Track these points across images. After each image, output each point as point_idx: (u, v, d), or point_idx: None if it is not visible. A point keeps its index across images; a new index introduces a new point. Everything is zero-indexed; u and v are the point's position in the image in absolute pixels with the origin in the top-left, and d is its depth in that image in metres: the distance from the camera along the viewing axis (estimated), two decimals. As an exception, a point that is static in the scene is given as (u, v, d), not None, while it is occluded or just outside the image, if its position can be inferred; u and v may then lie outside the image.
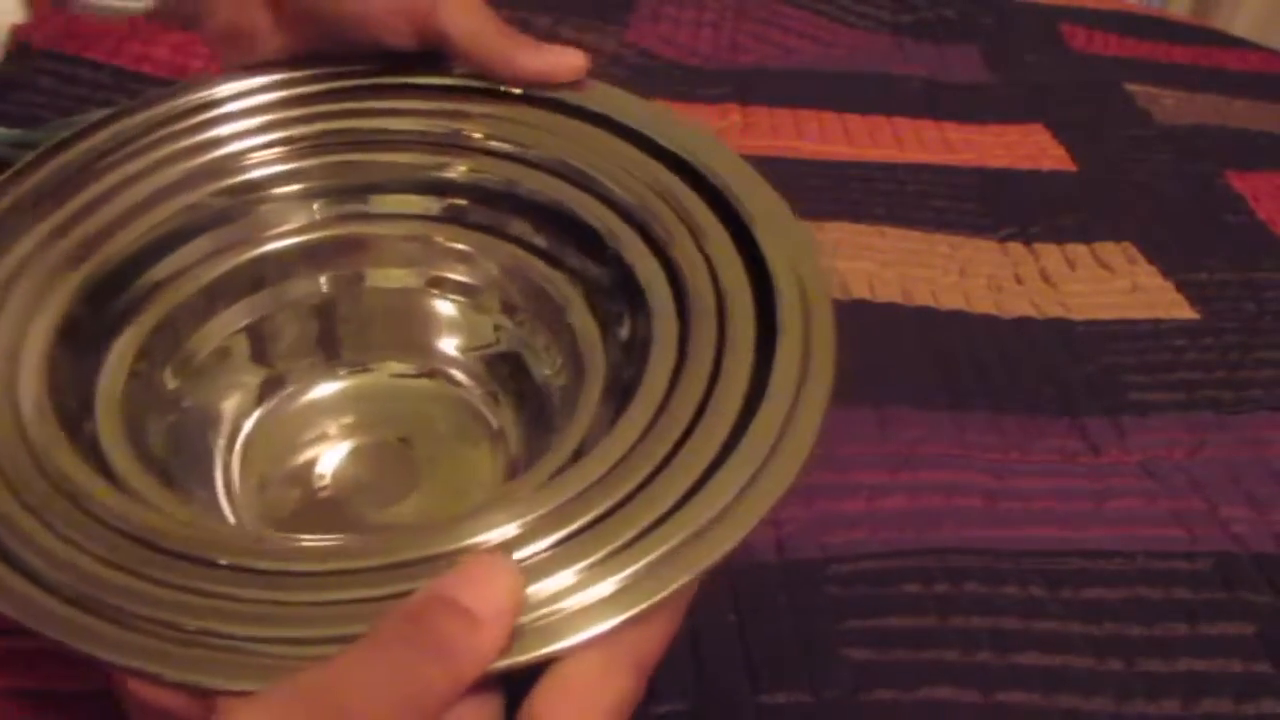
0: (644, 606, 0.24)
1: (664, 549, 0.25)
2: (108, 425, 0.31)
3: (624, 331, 0.33)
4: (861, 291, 0.56)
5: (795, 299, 0.30)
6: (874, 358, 0.52)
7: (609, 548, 0.25)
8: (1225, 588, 0.41)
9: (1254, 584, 0.41)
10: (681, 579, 0.24)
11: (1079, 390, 0.51)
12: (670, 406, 0.29)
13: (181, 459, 0.34)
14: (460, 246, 0.38)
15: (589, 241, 0.35)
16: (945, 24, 0.90)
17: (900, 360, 0.52)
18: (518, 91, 0.38)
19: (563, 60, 0.37)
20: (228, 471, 0.35)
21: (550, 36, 0.80)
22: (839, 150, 0.70)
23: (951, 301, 0.56)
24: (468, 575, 0.24)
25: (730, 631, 0.38)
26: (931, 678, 0.37)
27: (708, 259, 0.33)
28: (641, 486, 0.27)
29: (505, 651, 0.23)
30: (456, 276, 0.38)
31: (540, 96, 0.37)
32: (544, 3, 0.83)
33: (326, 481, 0.36)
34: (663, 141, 0.36)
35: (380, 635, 0.23)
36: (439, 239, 0.38)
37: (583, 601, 0.24)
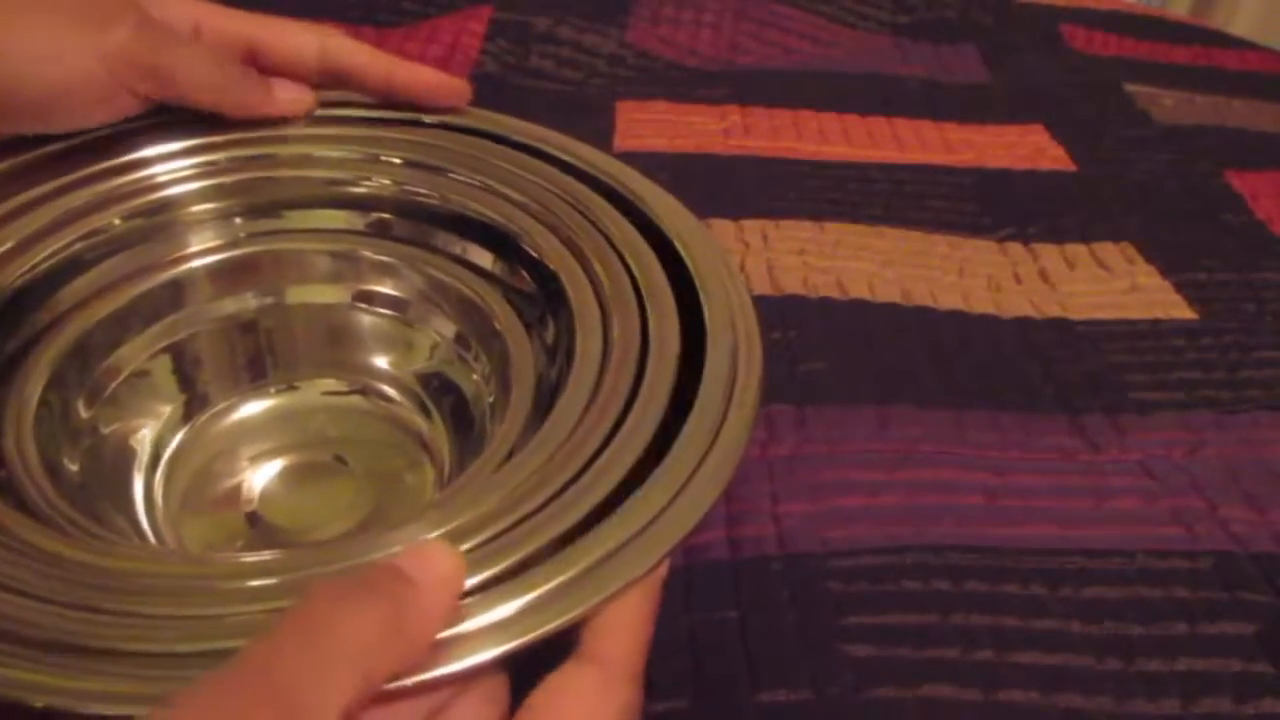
0: (541, 632, 0.23)
1: (579, 568, 0.24)
2: (19, 455, 0.30)
3: (549, 335, 0.34)
4: (861, 291, 0.56)
5: (722, 302, 0.31)
6: (874, 357, 0.52)
7: (516, 558, 0.24)
8: (1224, 587, 0.41)
9: (1253, 583, 0.41)
10: (591, 602, 0.24)
11: (1078, 389, 0.51)
12: (594, 410, 0.29)
13: (99, 484, 0.33)
14: (386, 259, 0.37)
15: (510, 249, 0.36)
16: (944, 24, 0.91)
17: (900, 360, 0.52)
18: (430, 119, 0.38)
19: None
20: (150, 495, 0.34)
21: (550, 38, 0.80)
22: (838, 151, 0.70)
23: (950, 301, 0.56)
24: (407, 551, 0.23)
25: (731, 628, 0.38)
26: (932, 676, 0.37)
27: (623, 260, 0.33)
28: (556, 495, 0.26)
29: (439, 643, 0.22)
30: (384, 290, 0.38)
31: (455, 124, 0.38)
32: (544, 3, 0.83)
33: (256, 502, 0.35)
34: (574, 161, 0.37)
35: (322, 597, 0.21)
36: (365, 252, 0.38)
37: (484, 622, 0.23)
